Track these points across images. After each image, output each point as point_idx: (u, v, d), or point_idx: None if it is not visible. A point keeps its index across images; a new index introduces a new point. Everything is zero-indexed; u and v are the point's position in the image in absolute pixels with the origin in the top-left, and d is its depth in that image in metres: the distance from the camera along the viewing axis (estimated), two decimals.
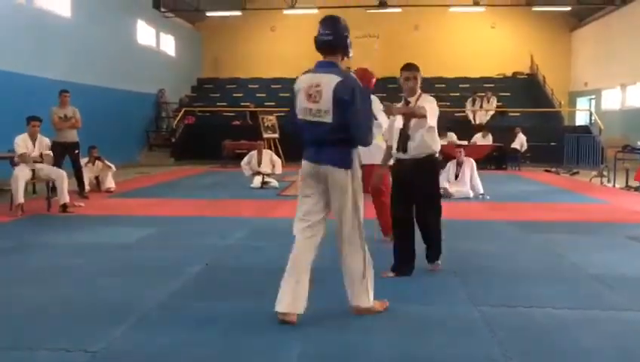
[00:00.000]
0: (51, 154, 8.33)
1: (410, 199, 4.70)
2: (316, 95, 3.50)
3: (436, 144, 4.70)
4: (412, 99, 4.66)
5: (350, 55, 3.69)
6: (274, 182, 11.12)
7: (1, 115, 10.73)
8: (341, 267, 3.67)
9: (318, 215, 3.65)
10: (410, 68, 4.77)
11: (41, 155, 8.19)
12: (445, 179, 10.04)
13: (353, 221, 3.60)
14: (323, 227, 3.69)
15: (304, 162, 3.67)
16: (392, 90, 21.45)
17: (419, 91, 4.70)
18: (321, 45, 3.62)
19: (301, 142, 3.68)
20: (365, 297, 3.66)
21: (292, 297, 3.52)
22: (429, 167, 4.71)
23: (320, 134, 3.54)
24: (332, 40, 3.59)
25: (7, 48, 11.72)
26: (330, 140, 3.53)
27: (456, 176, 10.04)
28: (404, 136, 4.61)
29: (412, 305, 4.00)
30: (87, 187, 9.82)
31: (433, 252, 4.87)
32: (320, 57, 3.68)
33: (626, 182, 11.46)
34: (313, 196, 3.64)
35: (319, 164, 3.57)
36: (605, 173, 12.49)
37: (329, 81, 3.48)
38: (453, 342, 3.36)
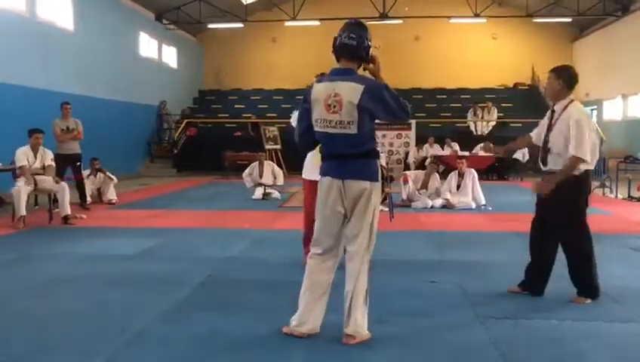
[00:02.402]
0: (54, 165, 8.35)
1: (544, 214, 4.40)
2: (336, 105, 3.30)
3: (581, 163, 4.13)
4: (556, 108, 4.25)
5: (369, 63, 3.46)
6: (275, 194, 11.13)
7: (3, 127, 10.76)
8: (346, 287, 3.44)
9: (338, 236, 3.47)
10: (552, 69, 4.32)
11: (43, 167, 8.20)
12: (447, 190, 10.06)
13: (370, 240, 3.42)
14: (341, 249, 3.55)
15: (324, 178, 3.44)
16: None
17: (568, 98, 4.21)
18: (342, 49, 3.39)
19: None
20: (363, 325, 3.45)
21: (305, 319, 3.48)
22: (566, 186, 4.17)
23: (343, 146, 3.34)
24: (356, 45, 3.36)
25: (10, 61, 11.76)
26: (355, 153, 3.35)
27: (458, 187, 10.05)
28: (545, 149, 4.33)
29: (414, 318, 3.98)
30: (88, 199, 9.84)
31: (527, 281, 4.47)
32: (331, 64, 3.49)
33: (629, 193, 11.44)
34: (333, 216, 3.42)
35: (343, 178, 3.36)
36: (607, 183, 12.47)
37: (350, 90, 3.28)
38: (456, 354, 3.35)
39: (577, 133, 4.07)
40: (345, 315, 3.44)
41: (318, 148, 3.60)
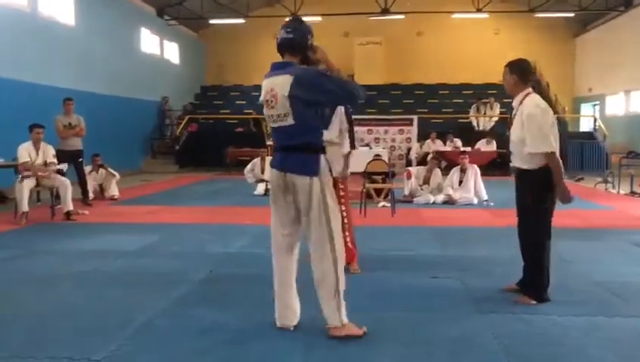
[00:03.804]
0: (56, 162, 8.36)
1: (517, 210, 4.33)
2: (272, 100, 3.37)
3: (532, 162, 4.07)
4: (514, 103, 4.22)
5: (311, 57, 3.49)
6: None
7: (5, 123, 10.77)
8: (314, 283, 3.48)
9: (292, 226, 3.53)
10: (506, 64, 4.28)
11: (45, 163, 8.21)
12: (449, 186, 10.05)
13: (321, 231, 3.38)
14: (298, 238, 3.60)
15: (271, 170, 3.53)
16: (395, 97, 21.53)
17: (523, 92, 4.16)
18: (282, 44, 3.46)
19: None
20: (336, 317, 3.42)
21: (283, 311, 3.60)
22: (526, 181, 4.18)
23: (285, 139, 3.42)
24: (293, 38, 3.43)
25: (11, 57, 11.76)
26: (295, 145, 3.38)
27: (460, 183, 10.04)
28: (509, 145, 4.30)
29: (416, 313, 3.99)
30: (91, 195, 9.86)
31: (525, 280, 4.32)
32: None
33: (631, 188, 11.42)
34: (284, 205, 3.49)
35: (284, 171, 3.42)
36: (610, 179, 12.45)
37: (282, 83, 3.32)
38: (458, 349, 3.34)
39: (529, 128, 4.00)
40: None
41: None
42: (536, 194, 4.13)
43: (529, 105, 4.06)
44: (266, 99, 3.41)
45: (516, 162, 4.25)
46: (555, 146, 3.96)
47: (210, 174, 16.18)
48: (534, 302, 4.14)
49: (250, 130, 18.66)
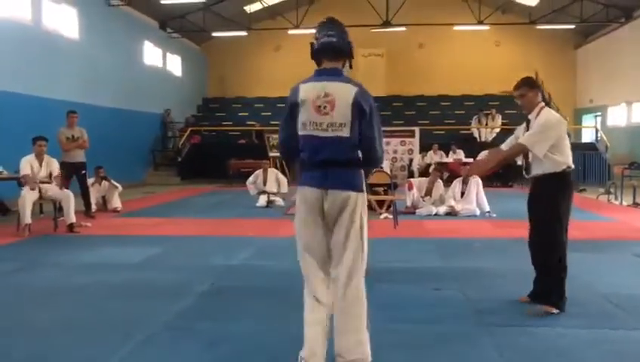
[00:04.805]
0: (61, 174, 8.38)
1: (532, 220, 4.38)
2: (327, 106, 2.98)
3: (556, 164, 4.17)
4: (531, 117, 4.30)
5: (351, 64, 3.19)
6: (279, 201, 11.13)
7: (9, 136, 10.80)
8: (336, 309, 3.08)
9: (326, 251, 3.14)
10: (516, 87, 4.36)
11: (50, 176, 8.23)
12: (451, 197, 10.05)
13: (356, 252, 3.08)
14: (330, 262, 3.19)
15: (306, 189, 3.10)
16: (397, 108, 21.57)
17: (539, 106, 4.29)
18: (325, 47, 3.09)
19: (301, 162, 3.16)
20: (367, 349, 3.07)
21: (313, 344, 3.08)
22: (547, 186, 4.23)
23: (331, 152, 3.02)
24: (337, 41, 3.08)
25: (15, 70, 11.82)
26: (342, 160, 3.04)
27: (462, 194, 10.03)
28: (527, 157, 4.36)
29: (419, 325, 3.98)
30: (93, 207, 9.87)
31: (537, 291, 4.36)
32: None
33: (634, 200, 11.40)
34: (318, 231, 3.11)
35: (326, 188, 3.03)
36: (612, 190, 12.43)
37: (343, 90, 2.99)
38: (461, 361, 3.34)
39: (535, 128, 4.20)
40: (339, 338, 3.07)
41: None
42: (553, 198, 4.19)
43: (546, 115, 4.23)
44: (317, 104, 3.00)
45: (535, 171, 4.30)
46: (533, 146, 4.14)
47: (212, 186, 16.20)
48: (557, 311, 4.14)
49: (253, 141, 18.70)
